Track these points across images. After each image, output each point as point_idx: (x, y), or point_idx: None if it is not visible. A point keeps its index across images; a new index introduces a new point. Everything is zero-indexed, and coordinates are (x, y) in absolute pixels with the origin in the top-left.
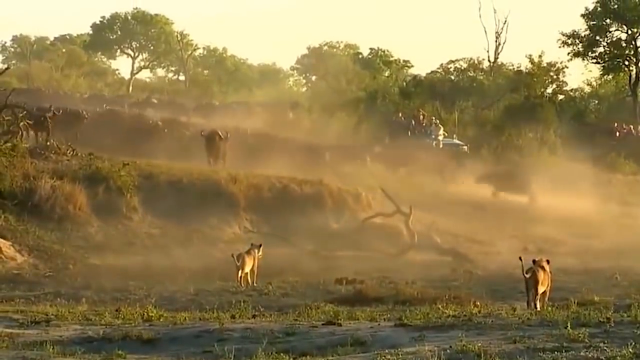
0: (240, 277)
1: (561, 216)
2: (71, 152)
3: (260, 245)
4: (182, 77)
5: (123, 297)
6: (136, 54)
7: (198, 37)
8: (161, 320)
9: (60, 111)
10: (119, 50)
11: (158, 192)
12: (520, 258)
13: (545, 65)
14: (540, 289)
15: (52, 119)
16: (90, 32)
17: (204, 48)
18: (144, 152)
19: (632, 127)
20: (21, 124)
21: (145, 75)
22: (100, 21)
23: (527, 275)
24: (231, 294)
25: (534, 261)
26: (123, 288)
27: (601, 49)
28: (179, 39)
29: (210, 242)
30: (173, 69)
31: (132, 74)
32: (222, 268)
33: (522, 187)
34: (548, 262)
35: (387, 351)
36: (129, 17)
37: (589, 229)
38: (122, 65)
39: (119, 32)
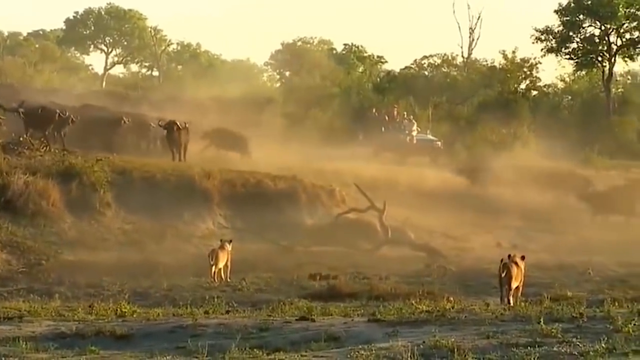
0: (214, 272)
1: (534, 211)
2: (44, 148)
3: (231, 241)
4: (155, 73)
5: (96, 293)
6: (110, 50)
7: (172, 33)
8: (134, 316)
9: (67, 113)
10: (92, 46)
11: (131, 188)
12: (502, 261)
13: (518, 61)
14: (514, 285)
15: (24, 114)
16: (64, 27)
17: (177, 44)
18: (114, 147)
19: None
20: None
21: (118, 70)
22: (73, 16)
23: (503, 274)
24: (205, 289)
25: (509, 257)
26: (96, 284)
27: (574, 45)
28: (152, 34)
29: (184, 238)
30: (147, 64)
31: (106, 69)
32: (196, 264)
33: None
34: (523, 258)
35: (360, 347)
36: (103, 13)
37: (562, 225)
38: (95, 60)
39: (93, 28)
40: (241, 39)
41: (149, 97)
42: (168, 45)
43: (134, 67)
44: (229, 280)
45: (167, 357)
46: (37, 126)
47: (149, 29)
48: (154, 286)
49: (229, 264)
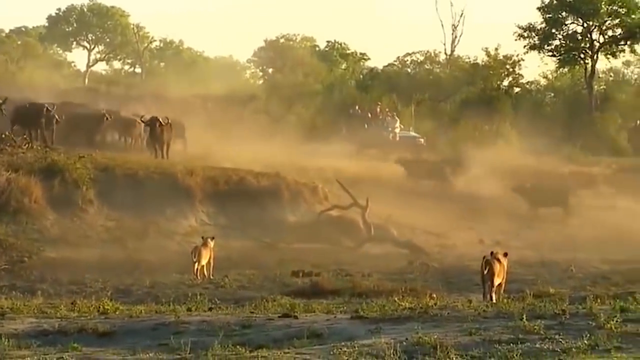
0: (197, 269)
1: (517, 208)
2: (27, 145)
3: (213, 238)
4: (138, 70)
5: (79, 290)
6: (92, 46)
7: (154, 30)
8: (117, 313)
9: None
10: (75, 43)
11: (114, 185)
12: (484, 258)
13: (501, 58)
14: (496, 281)
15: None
16: (46, 24)
17: (160, 41)
18: (96, 144)
19: None
20: None
21: (101, 67)
22: (56, 13)
23: (485, 271)
24: (187, 286)
25: (491, 253)
26: (79, 281)
27: (557, 42)
28: (135, 31)
29: (167, 235)
30: (129, 61)
31: (88, 66)
32: (179, 261)
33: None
34: (506, 254)
35: (343, 343)
36: (85, 10)
37: (544, 221)
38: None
39: (75, 25)
40: (224, 36)
41: (131, 94)
42: (151, 42)
43: (117, 64)
44: (211, 277)
45: (150, 354)
46: (25, 123)
47: (132, 26)
48: (136, 283)
49: (211, 261)
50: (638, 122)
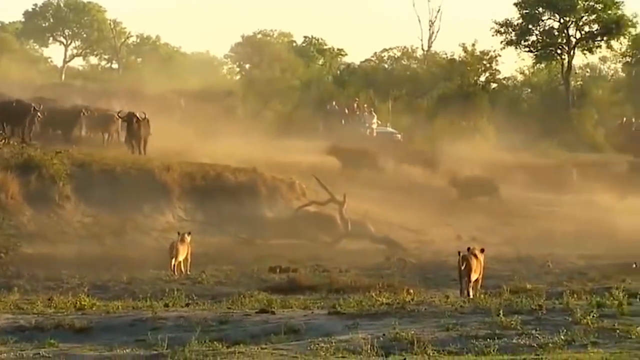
0: (174, 265)
1: (494, 204)
2: (2, 141)
3: (189, 233)
4: (115, 65)
5: (56, 286)
6: (69, 42)
7: (131, 25)
8: (94, 309)
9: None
10: (51, 38)
11: (91, 181)
12: (459, 253)
13: (478, 53)
14: (473, 277)
15: None
16: (23, 19)
17: (137, 36)
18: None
19: None
20: None
21: (78, 63)
22: (32, 9)
23: (463, 267)
24: (165, 282)
25: (468, 249)
26: (56, 277)
27: (534, 38)
28: (111, 26)
29: (144, 231)
30: (106, 57)
31: (65, 61)
32: (156, 257)
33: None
34: (482, 250)
35: (320, 339)
36: (62, 5)
37: (521, 217)
38: (54, 52)
39: (52, 20)
40: (201, 32)
41: (108, 90)
42: (127, 37)
43: (94, 60)
44: (188, 273)
45: (127, 350)
46: (9, 120)
47: (108, 22)
48: (113, 279)
49: (189, 256)
50: (624, 119)
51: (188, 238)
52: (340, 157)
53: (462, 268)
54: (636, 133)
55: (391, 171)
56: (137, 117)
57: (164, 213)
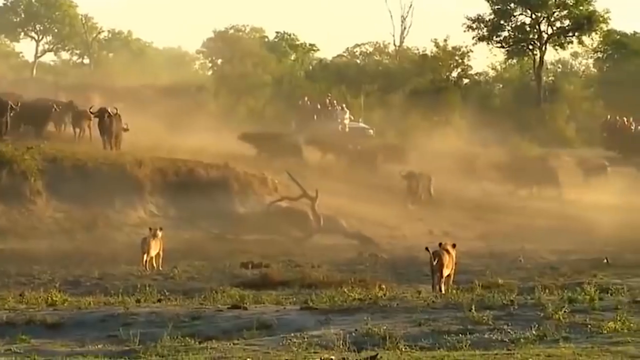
0: (146, 261)
1: (466, 199)
2: None
3: (161, 229)
4: (86, 61)
5: (27, 281)
6: (40, 37)
7: (102, 20)
8: (66, 304)
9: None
10: (22, 33)
11: (63, 176)
12: (426, 248)
13: (450, 49)
14: (445, 272)
15: None
16: None
17: (108, 31)
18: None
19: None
20: None
21: (49, 58)
22: (3, 4)
23: (435, 262)
24: (136, 278)
25: (440, 245)
26: (27, 272)
27: (506, 34)
28: (83, 22)
29: (116, 227)
30: (77, 52)
31: (36, 57)
32: (128, 252)
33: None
34: (454, 246)
35: (293, 334)
36: (33, 0)
37: (493, 212)
38: (26, 48)
39: (23, 15)
40: (173, 27)
41: (79, 85)
42: (99, 32)
43: (65, 55)
44: (160, 268)
45: (98, 346)
46: None
47: (80, 17)
48: (85, 275)
49: (161, 252)
50: (608, 117)
51: (160, 233)
52: (253, 142)
53: (434, 263)
54: (620, 130)
55: (317, 157)
56: (109, 113)
57: (136, 208)
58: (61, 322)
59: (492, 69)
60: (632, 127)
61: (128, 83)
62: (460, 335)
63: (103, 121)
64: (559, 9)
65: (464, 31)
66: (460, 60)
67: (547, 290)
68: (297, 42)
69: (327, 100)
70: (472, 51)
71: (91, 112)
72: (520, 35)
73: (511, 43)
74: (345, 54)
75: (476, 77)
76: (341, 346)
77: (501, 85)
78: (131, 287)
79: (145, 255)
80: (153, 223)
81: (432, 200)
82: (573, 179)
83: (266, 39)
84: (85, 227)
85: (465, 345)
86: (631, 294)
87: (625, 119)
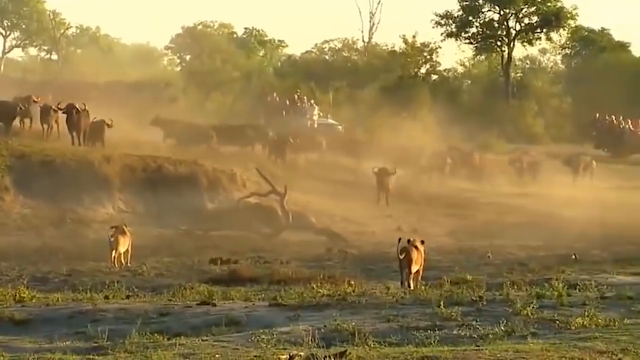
0: (114, 257)
1: (435, 196)
2: None
3: (125, 225)
4: (55, 57)
5: None
6: (7, 33)
7: (71, 16)
8: (34, 301)
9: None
10: None
11: (31, 173)
12: (399, 239)
13: (418, 45)
14: (414, 268)
15: None
16: None
17: (76, 27)
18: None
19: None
20: None
21: (17, 54)
22: None
23: (402, 256)
24: (105, 274)
25: (408, 241)
26: None
27: (474, 30)
28: (51, 17)
29: (84, 223)
30: (45, 48)
31: (4, 52)
32: (96, 248)
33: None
34: (423, 242)
35: (261, 331)
36: None
37: (462, 208)
38: None
39: None
40: (141, 23)
41: (48, 81)
42: (67, 28)
43: (33, 51)
44: (129, 265)
45: (67, 343)
46: None
47: (48, 12)
48: (53, 271)
49: (129, 248)
50: (597, 115)
51: (127, 229)
52: (163, 128)
53: (402, 257)
54: (609, 129)
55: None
56: (77, 109)
57: (104, 205)
58: (29, 319)
59: (461, 65)
60: (622, 126)
61: (96, 79)
62: (429, 331)
63: (71, 117)
64: (527, 6)
65: (433, 27)
66: (428, 57)
67: (515, 286)
68: (266, 38)
69: (296, 96)
70: (440, 47)
71: (59, 108)
72: (488, 32)
73: (479, 39)
74: (314, 50)
75: (445, 74)
76: (310, 342)
77: (469, 82)
78: (99, 284)
79: (113, 252)
80: (121, 219)
81: (393, 196)
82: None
83: (235, 35)
84: (54, 224)
85: (434, 341)
86: (599, 290)
87: (614, 117)
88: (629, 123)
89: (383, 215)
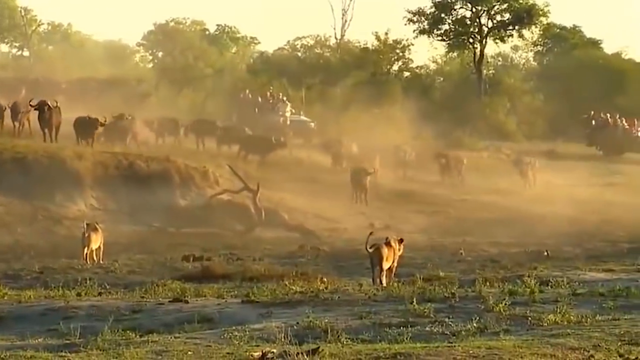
0: (86, 254)
1: (407, 193)
2: None
3: (97, 223)
4: (26, 53)
5: None
6: None
7: (42, 13)
8: (5, 298)
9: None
10: None
11: (2, 170)
12: (370, 234)
13: (391, 42)
14: (385, 265)
15: None
16: None
17: (48, 24)
18: None
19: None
20: None
21: None
22: None
23: (371, 251)
24: (77, 271)
25: (386, 239)
26: None
27: (446, 27)
28: (22, 14)
29: (56, 220)
30: (17, 44)
31: None
32: (68, 245)
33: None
34: (401, 240)
35: (234, 328)
36: None
37: (434, 205)
38: None
39: None
40: (113, 20)
41: (19, 78)
42: (38, 25)
43: (4, 48)
44: (101, 262)
45: (39, 340)
46: None
47: (19, 9)
48: (25, 268)
49: (101, 245)
50: (592, 112)
51: (99, 226)
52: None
53: (371, 252)
54: (603, 127)
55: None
56: (49, 105)
57: (76, 202)
58: (1, 316)
59: (433, 62)
60: (618, 124)
61: (68, 76)
62: (402, 328)
63: (43, 114)
64: (499, 3)
65: (405, 24)
66: (401, 54)
67: (487, 283)
68: (238, 35)
69: (268, 93)
70: (413, 44)
71: (31, 105)
72: (460, 29)
73: (452, 36)
74: (286, 47)
75: (417, 71)
76: (283, 339)
77: (442, 79)
78: (72, 281)
79: (86, 249)
80: (93, 217)
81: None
82: (512, 172)
83: (207, 32)
84: (26, 221)
85: (407, 338)
86: (571, 287)
87: (609, 115)
88: (624, 121)
89: (356, 212)
